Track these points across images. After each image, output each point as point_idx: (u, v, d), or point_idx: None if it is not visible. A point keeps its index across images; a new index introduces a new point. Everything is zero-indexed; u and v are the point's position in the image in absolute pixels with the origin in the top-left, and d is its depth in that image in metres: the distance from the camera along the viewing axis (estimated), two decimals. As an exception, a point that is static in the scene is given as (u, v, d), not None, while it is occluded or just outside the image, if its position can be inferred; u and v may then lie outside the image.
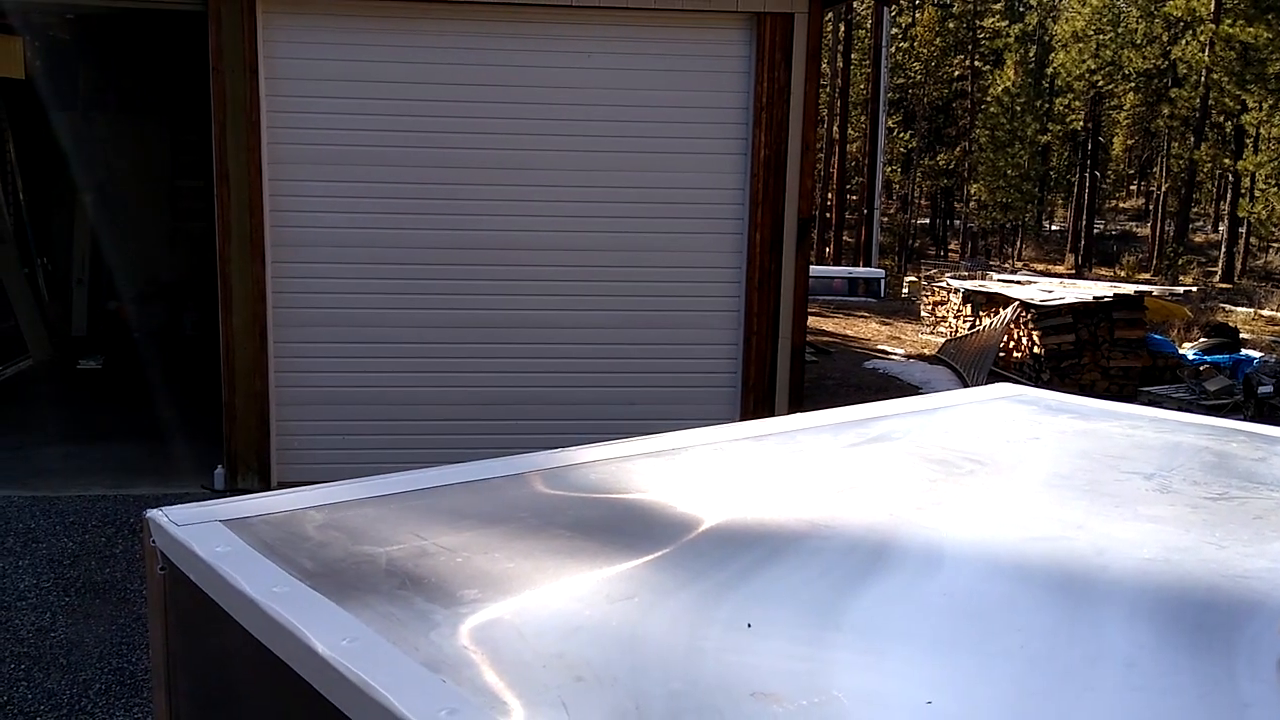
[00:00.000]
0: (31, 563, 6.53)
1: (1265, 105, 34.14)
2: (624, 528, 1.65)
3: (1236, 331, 15.85)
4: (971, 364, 14.21)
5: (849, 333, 20.76)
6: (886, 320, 22.86)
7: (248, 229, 7.68)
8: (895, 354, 17.91)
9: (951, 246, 46.42)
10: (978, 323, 16.30)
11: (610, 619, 1.30)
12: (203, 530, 1.53)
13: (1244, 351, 13.72)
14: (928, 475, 1.90)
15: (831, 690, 1.12)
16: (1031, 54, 45.35)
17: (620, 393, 8.47)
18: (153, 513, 1.60)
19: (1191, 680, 1.14)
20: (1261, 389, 9.92)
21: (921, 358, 17.28)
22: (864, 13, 37.94)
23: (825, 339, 19.06)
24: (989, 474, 1.90)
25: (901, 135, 44.23)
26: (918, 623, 1.30)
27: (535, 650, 1.21)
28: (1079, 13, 42.23)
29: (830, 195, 37.07)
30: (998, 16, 44.34)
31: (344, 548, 1.51)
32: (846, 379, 14.56)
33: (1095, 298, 13.50)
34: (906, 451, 2.08)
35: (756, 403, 8.67)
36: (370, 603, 1.31)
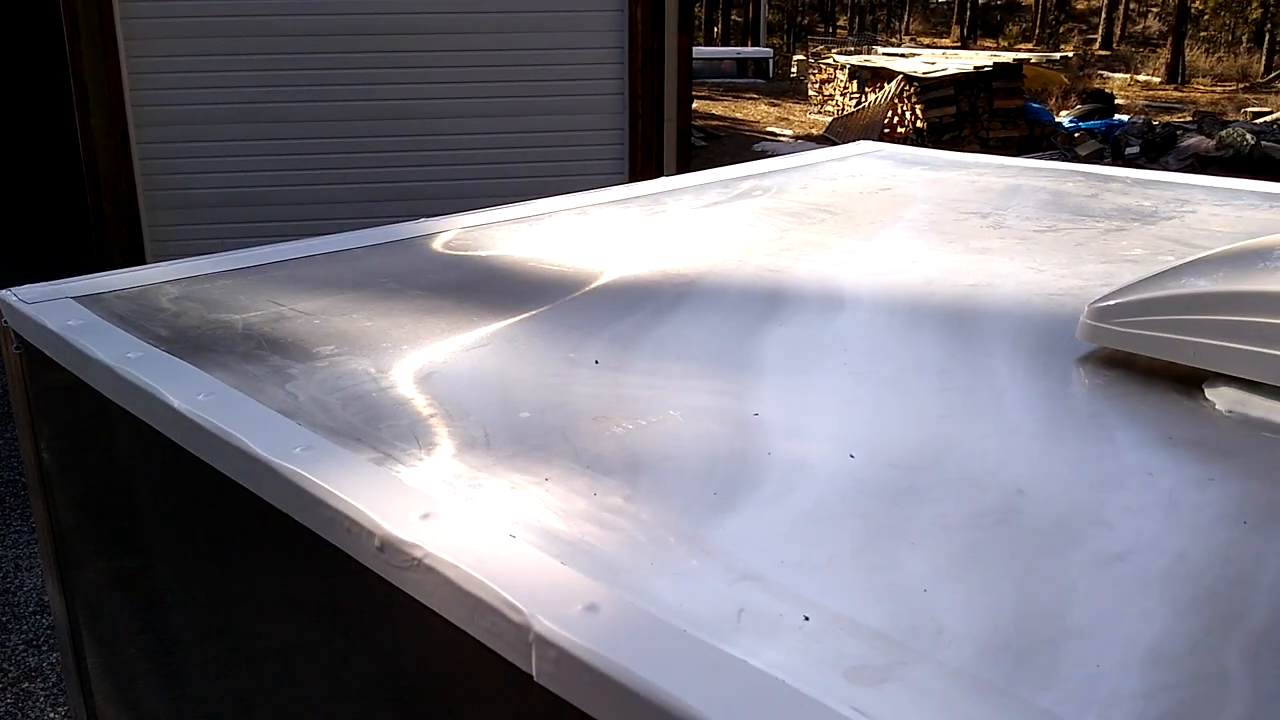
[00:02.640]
0: (-95, 382, 6.36)
1: None
2: (483, 288, 1.69)
3: (1111, 97, 16.16)
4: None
5: (738, 115, 20.63)
6: (775, 101, 22.72)
7: (97, 22, 7.21)
8: (784, 135, 17.93)
9: (840, 22, 45.77)
10: (863, 99, 16.32)
11: (463, 364, 1.35)
12: (54, 307, 1.53)
13: (1117, 117, 14.03)
14: (781, 226, 1.97)
15: (669, 410, 1.20)
16: None
17: (505, 184, 8.37)
18: (1, 293, 1.58)
19: (994, 380, 1.25)
20: (1129, 150, 10.23)
21: (809, 138, 17.34)
22: None
23: (714, 123, 18.93)
24: (838, 222, 1.98)
25: (788, -96, 42.73)
26: (754, 353, 1.38)
27: (389, 395, 1.26)
28: None
29: (716, -28, 35.94)
30: None
31: (200, 316, 1.52)
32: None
33: (975, 68, 13.58)
34: (763, 207, 2.14)
35: (643, 186, 8.65)
36: (226, 363, 1.34)
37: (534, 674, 0.84)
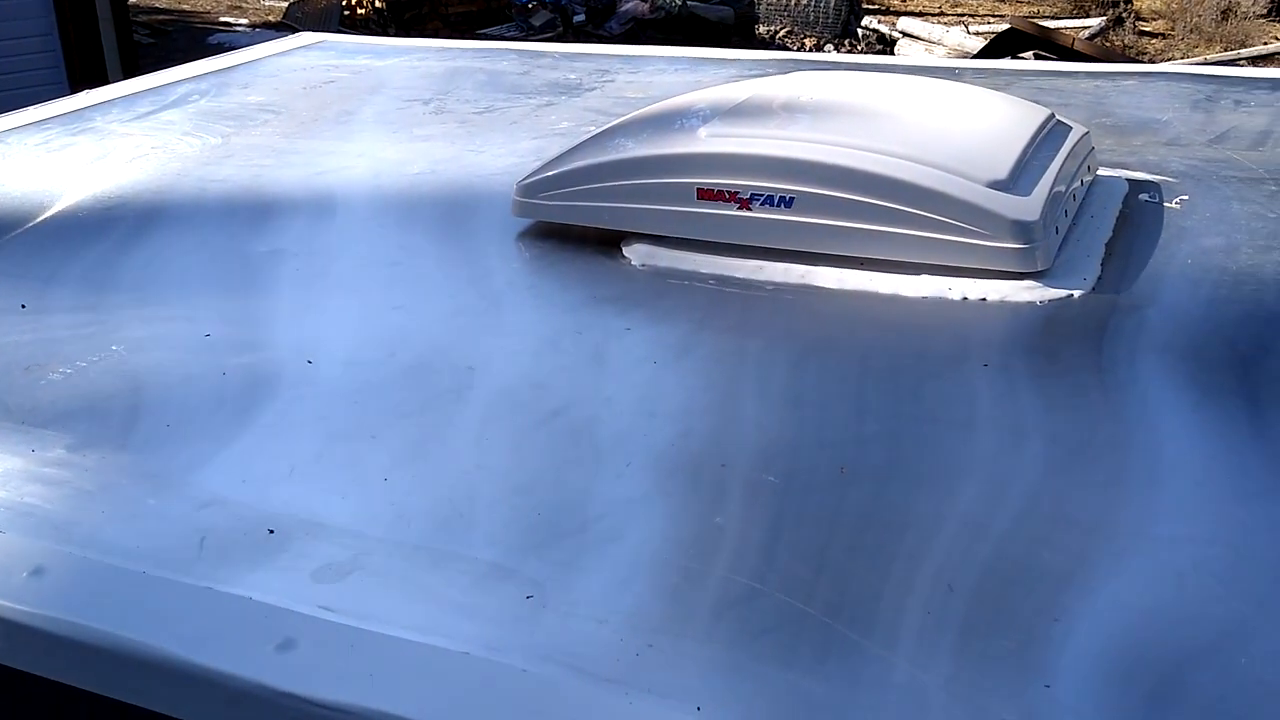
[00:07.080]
0: None
1: None
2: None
3: (559, -32, 16.79)
4: (318, 26, 13.78)
5: (184, 7, 19.02)
6: (224, -12, 21.19)
7: None
8: (240, 24, 16.84)
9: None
10: (319, -18, 15.68)
11: None
12: None
13: (565, -14, 14.67)
14: (222, 131, 1.88)
15: (112, 346, 1.13)
16: None
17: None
18: None
19: (441, 265, 1.31)
20: (576, 18, 10.80)
21: (269, 26, 16.41)
22: None
23: (159, 17, 17.35)
24: (282, 122, 1.92)
25: None
26: (200, 273, 1.33)
27: None
28: None
29: None
30: None
31: None
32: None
33: (426, -56, 13.49)
34: (201, 111, 2.03)
35: (85, 96, 7.78)
36: None
37: (-16, 655, 0.79)
